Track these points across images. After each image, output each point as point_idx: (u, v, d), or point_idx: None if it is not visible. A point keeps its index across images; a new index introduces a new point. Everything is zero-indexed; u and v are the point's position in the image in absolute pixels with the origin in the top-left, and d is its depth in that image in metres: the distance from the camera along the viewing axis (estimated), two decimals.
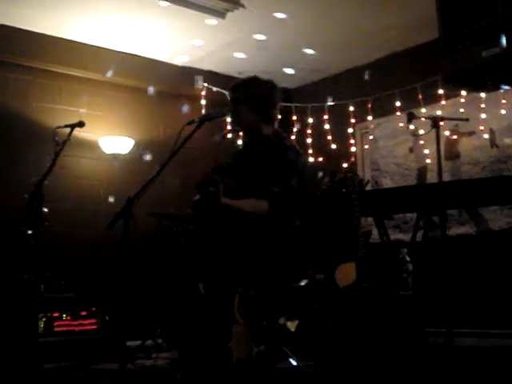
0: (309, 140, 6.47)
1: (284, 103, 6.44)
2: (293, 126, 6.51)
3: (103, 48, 5.98)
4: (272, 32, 5.68)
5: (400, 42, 5.91)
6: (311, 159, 6.44)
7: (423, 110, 5.61)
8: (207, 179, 2.97)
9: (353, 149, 6.41)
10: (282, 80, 6.81)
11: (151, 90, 6.25)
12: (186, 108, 6.32)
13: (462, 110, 5.42)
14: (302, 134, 6.48)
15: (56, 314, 4.54)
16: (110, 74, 5.94)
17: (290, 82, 6.99)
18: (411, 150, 6.00)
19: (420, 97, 5.71)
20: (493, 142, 5.37)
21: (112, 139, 5.80)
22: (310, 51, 6.12)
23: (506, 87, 3.79)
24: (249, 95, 3.28)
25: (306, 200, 3.39)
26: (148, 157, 6.00)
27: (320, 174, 4.05)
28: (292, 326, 4.09)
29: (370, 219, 5.50)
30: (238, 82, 3.41)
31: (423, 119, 4.06)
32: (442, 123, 3.79)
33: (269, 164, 3.20)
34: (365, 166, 6.49)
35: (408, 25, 5.46)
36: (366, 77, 6.29)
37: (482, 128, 5.40)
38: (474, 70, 3.24)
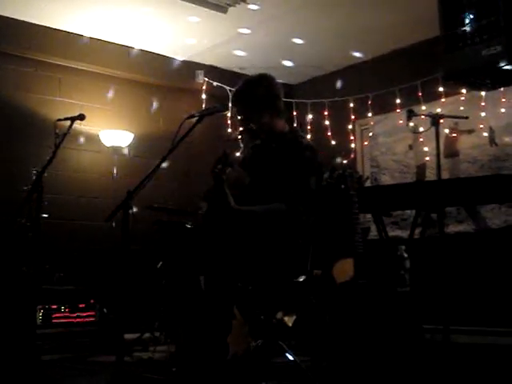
0: (308, 136, 6.47)
1: (284, 99, 6.45)
2: (293, 121, 6.51)
3: (103, 41, 5.96)
4: (273, 27, 5.68)
5: (401, 39, 5.90)
6: None
7: (423, 108, 5.61)
8: (211, 190, 2.95)
9: (352, 145, 6.42)
10: (283, 76, 6.82)
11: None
12: (186, 102, 6.34)
13: (461, 108, 5.43)
14: (301, 130, 6.47)
15: (54, 306, 4.56)
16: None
17: (290, 78, 6.99)
18: (410, 147, 6.00)
19: (420, 94, 5.71)
20: (492, 141, 5.37)
21: (112, 132, 5.80)
22: (310, 47, 6.11)
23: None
24: (254, 102, 3.23)
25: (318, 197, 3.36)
26: None
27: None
28: (289, 320, 4.10)
29: (369, 216, 5.51)
30: (236, 93, 3.32)
31: (423, 117, 4.06)
32: (441, 121, 3.80)
33: (284, 163, 3.17)
34: (364, 162, 6.49)
35: (409, 22, 5.45)
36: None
37: (481, 126, 5.40)
38: (474, 69, 3.25)
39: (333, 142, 6.41)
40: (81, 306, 4.69)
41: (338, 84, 6.62)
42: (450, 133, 5.64)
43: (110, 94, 6.11)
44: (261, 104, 3.23)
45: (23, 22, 5.49)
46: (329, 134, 6.42)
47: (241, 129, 3.31)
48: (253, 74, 3.43)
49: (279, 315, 4.07)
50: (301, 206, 3.04)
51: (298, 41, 5.97)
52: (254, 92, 3.24)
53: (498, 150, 5.32)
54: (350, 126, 6.40)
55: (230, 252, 2.96)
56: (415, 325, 3.85)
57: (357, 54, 6.34)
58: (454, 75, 3.50)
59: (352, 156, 6.39)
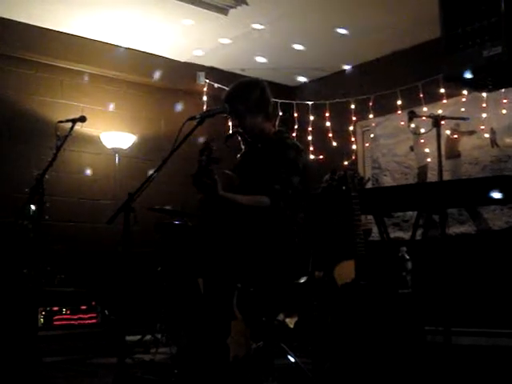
0: (310, 137, 6.48)
1: (285, 100, 6.46)
2: (294, 123, 6.52)
3: (105, 42, 5.97)
4: (274, 29, 5.68)
5: (402, 40, 5.90)
6: (312, 156, 6.45)
7: (424, 109, 5.61)
8: (202, 171, 2.96)
9: (353, 147, 6.42)
10: (284, 77, 6.83)
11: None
12: (187, 104, 6.35)
13: (463, 109, 5.43)
14: (303, 132, 6.48)
15: (56, 308, 4.55)
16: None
17: (291, 79, 6.99)
18: (412, 148, 6.00)
19: (421, 95, 5.72)
20: (493, 142, 5.37)
21: (113, 134, 5.80)
22: (311, 49, 6.11)
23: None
24: (248, 104, 3.25)
25: (307, 197, 3.39)
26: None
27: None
28: (291, 322, 4.10)
29: (370, 217, 5.50)
30: (231, 93, 3.33)
31: (424, 118, 4.05)
32: (442, 122, 3.80)
33: (270, 162, 3.21)
34: (365, 163, 6.49)
35: (410, 23, 5.46)
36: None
37: (482, 127, 5.40)
38: (475, 70, 3.24)
39: (334, 144, 6.41)
40: (82, 307, 4.69)
41: (339, 85, 6.62)
42: (452, 134, 5.64)
43: (111, 96, 6.11)
44: (255, 107, 3.26)
45: (24, 24, 5.50)
46: (330, 135, 6.42)
47: (234, 130, 3.35)
48: (246, 78, 3.47)
49: (281, 317, 4.07)
50: (282, 201, 3.07)
51: (300, 42, 5.97)
52: (250, 95, 3.27)
53: (499, 151, 5.31)
54: (351, 128, 6.40)
55: (227, 252, 2.96)
56: (416, 326, 3.85)
57: (357, 56, 6.34)
58: (455, 76, 3.49)
59: (353, 157, 6.39)
